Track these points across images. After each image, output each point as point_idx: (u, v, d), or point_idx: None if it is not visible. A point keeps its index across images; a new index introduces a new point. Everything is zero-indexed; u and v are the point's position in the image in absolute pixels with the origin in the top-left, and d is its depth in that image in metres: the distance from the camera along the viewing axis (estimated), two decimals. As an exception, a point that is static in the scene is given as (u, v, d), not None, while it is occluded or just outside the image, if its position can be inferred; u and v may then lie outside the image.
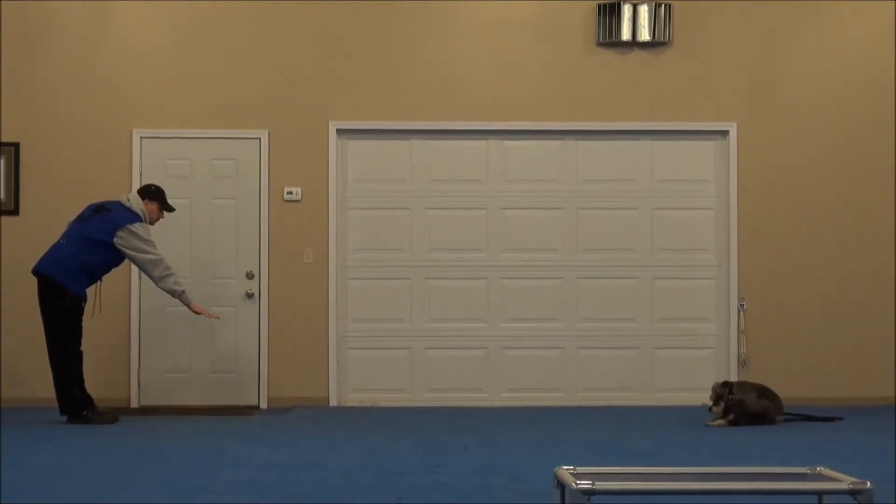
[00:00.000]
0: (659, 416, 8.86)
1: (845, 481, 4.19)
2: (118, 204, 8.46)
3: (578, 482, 4.12)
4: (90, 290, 8.42)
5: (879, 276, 9.73)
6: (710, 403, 8.28)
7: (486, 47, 9.74)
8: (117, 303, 9.34)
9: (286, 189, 9.59)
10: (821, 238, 9.76)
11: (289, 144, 9.62)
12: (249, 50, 9.67)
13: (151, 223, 8.57)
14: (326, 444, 7.13)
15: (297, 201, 9.60)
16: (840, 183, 9.77)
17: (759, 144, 9.74)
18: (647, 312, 9.77)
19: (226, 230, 9.60)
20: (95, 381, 8.79)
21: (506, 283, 9.76)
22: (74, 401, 8.27)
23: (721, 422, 8.21)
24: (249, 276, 9.57)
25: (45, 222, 9.22)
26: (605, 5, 9.64)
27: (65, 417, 8.32)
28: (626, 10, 9.63)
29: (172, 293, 8.41)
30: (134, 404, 9.47)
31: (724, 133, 9.76)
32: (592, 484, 4.10)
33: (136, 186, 9.09)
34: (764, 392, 8.49)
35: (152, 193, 8.64)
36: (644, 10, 9.62)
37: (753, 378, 9.23)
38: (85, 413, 8.26)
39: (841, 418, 8.53)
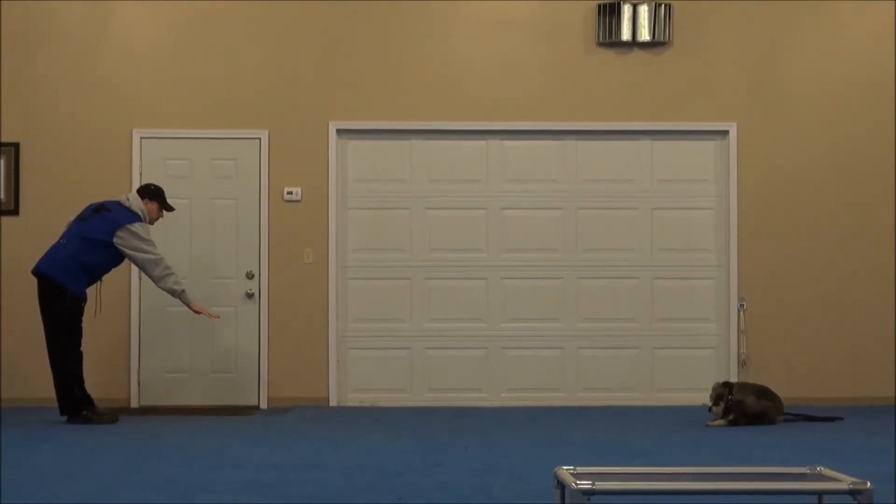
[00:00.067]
0: (659, 416, 8.86)
1: (845, 481, 4.19)
2: (118, 204, 8.46)
3: (578, 482, 4.12)
4: (90, 290, 8.43)
5: (879, 276, 9.73)
6: (709, 403, 8.28)
7: (486, 47, 9.74)
8: (117, 303, 9.34)
9: (286, 189, 9.59)
10: (821, 238, 9.76)
11: (289, 144, 9.62)
12: (249, 50, 9.67)
13: (151, 223, 8.57)
14: (326, 444, 7.13)
15: (297, 201, 9.60)
16: (840, 183, 9.77)
17: (759, 144, 9.74)
18: (647, 312, 9.77)
19: (226, 230, 9.60)
20: (95, 381, 8.79)
21: (506, 283, 9.76)
22: (74, 401, 8.27)
23: (721, 422, 8.21)
24: (249, 276, 9.57)
25: (45, 222, 9.22)
26: (605, 5, 9.64)
27: (65, 417, 8.32)
28: (626, 10, 9.63)
29: (172, 293, 8.41)
30: (134, 404, 9.47)
31: (724, 133, 9.76)
32: (592, 484, 4.09)
33: (136, 186, 9.09)
34: (764, 392, 8.49)
35: (152, 193, 8.64)
36: (644, 10, 9.62)
37: (753, 378, 9.24)
38: (85, 413, 8.26)
39: (841, 418, 8.53)
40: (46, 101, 9.58)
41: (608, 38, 9.66)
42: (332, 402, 9.56)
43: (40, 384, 8.81)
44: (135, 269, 9.07)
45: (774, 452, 6.76)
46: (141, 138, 9.58)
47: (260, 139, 9.61)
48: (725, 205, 9.75)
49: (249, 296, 9.56)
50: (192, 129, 9.62)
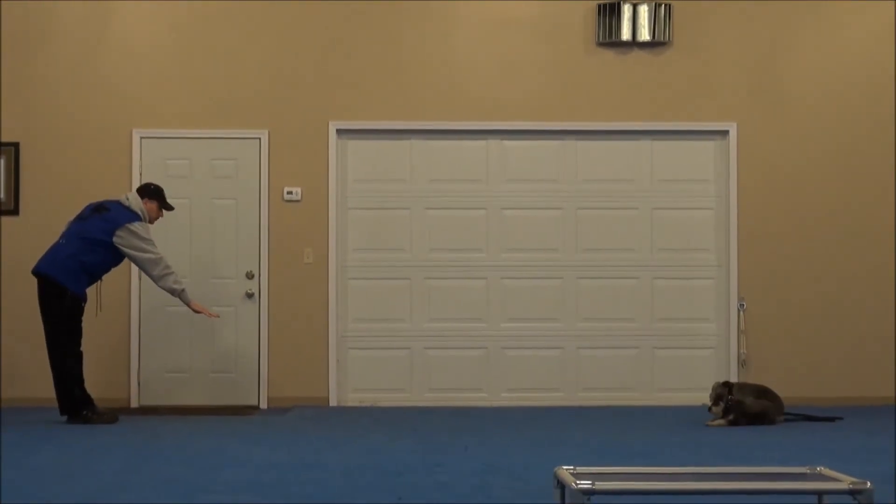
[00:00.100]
0: (659, 416, 8.86)
1: (845, 481, 4.19)
2: (117, 203, 8.46)
3: (578, 482, 4.12)
4: (90, 290, 8.42)
5: (879, 276, 9.73)
6: (709, 403, 8.28)
7: (486, 47, 9.74)
8: (117, 303, 9.34)
9: (286, 189, 9.59)
10: (821, 238, 9.76)
11: (289, 144, 9.62)
12: (249, 50, 9.67)
13: (151, 222, 8.57)
14: (326, 444, 7.13)
15: (297, 201, 9.60)
16: (840, 183, 9.77)
17: (759, 144, 9.74)
18: (647, 312, 9.77)
19: (226, 230, 9.60)
20: (95, 381, 8.79)
21: (506, 283, 9.76)
22: (74, 401, 8.27)
23: (721, 422, 8.21)
24: (249, 276, 9.57)
25: (45, 222, 9.22)
26: (605, 5, 9.64)
27: (65, 417, 8.31)
28: (626, 10, 9.63)
29: (172, 292, 8.41)
30: (134, 404, 9.47)
31: (724, 133, 9.76)
32: (592, 484, 4.09)
33: (136, 186, 9.08)
34: (764, 392, 8.49)
35: (151, 192, 8.64)
36: (644, 10, 9.62)
37: (753, 378, 9.24)
38: (85, 413, 8.26)
39: (841, 418, 8.53)
40: (46, 101, 9.59)
41: (608, 38, 9.66)
42: (332, 402, 9.56)
43: (40, 384, 8.81)
44: (135, 268, 9.07)
45: (774, 452, 6.76)
46: (141, 138, 9.58)
47: (260, 139, 9.61)
48: (725, 205, 9.75)
49: (249, 296, 9.56)
50: (192, 129, 9.62)
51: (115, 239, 8.30)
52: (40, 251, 8.44)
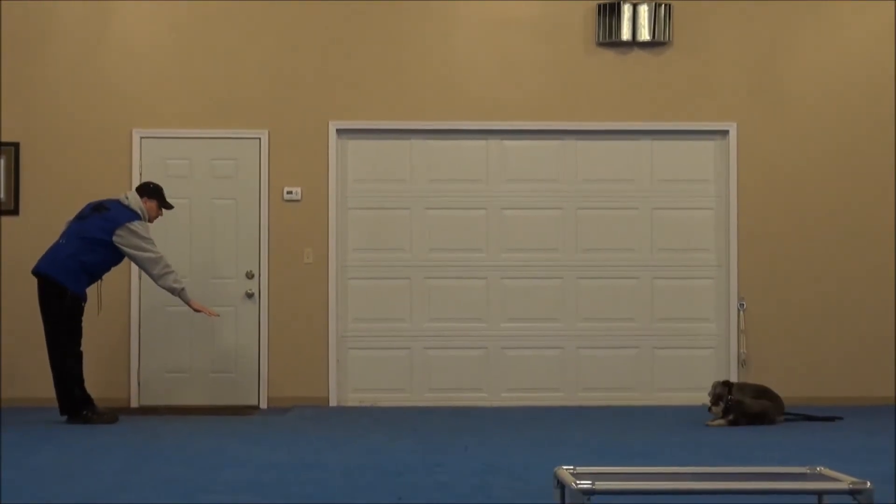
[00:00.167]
0: (659, 416, 8.86)
1: (845, 481, 4.19)
2: (117, 202, 8.46)
3: (578, 482, 4.12)
4: (90, 290, 8.42)
5: (879, 276, 9.73)
6: (709, 403, 8.28)
7: (486, 47, 9.74)
8: (117, 303, 9.34)
9: (286, 189, 9.59)
10: (821, 238, 9.76)
11: (289, 144, 9.62)
12: (249, 50, 9.67)
13: (150, 221, 8.57)
14: (326, 444, 7.13)
15: (297, 201, 9.60)
16: (840, 183, 9.78)
17: (759, 144, 9.74)
18: (647, 312, 9.77)
19: (226, 230, 9.60)
20: (95, 381, 8.79)
21: (506, 283, 9.76)
22: (74, 401, 8.27)
23: (721, 422, 8.21)
24: (249, 275, 9.57)
25: (45, 222, 9.22)
26: (605, 5, 9.64)
27: (65, 417, 8.31)
28: (626, 10, 9.63)
29: (172, 291, 8.41)
30: (134, 404, 9.47)
31: (724, 133, 9.76)
32: (592, 484, 4.09)
33: (135, 186, 9.07)
34: (764, 392, 8.49)
35: (151, 191, 8.64)
36: (644, 10, 9.62)
37: (753, 378, 9.24)
38: (85, 413, 8.26)
39: (841, 418, 8.53)
40: (46, 101, 9.59)
41: (608, 38, 9.66)
42: (332, 402, 9.56)
43: (40, 384, 8.81)
44: (135, 268, 9.07)
45: (774, 452, 6.76)
46: (141, 138, 9.58)
47: (260, 139, 9.61)
48: (725, 205, 9.75)
49: (249, 296, 9.56)
50: (192, 129, 9.62)
51: (114, 238, 8.30)
52: (40, 251, 8.44)
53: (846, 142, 9.79)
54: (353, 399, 9.64)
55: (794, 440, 7.45)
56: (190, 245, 9.56)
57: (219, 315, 8.99)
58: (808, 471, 4.47)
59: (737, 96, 9.75)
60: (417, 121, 9.70)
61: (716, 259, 9.79)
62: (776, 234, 9.73)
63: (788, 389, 9.02)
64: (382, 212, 9.75)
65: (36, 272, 8.33)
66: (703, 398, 8.45)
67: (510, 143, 9.79)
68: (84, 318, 8.35)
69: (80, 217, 8.45)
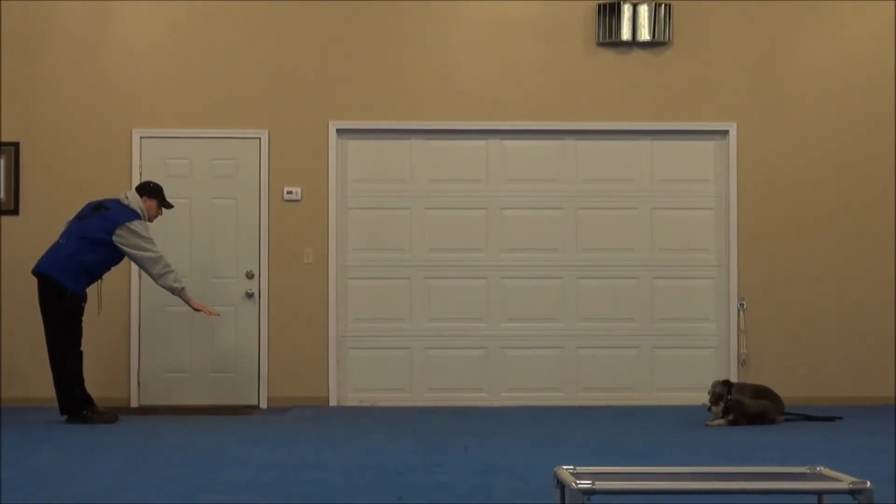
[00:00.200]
0: (659, 416, 8.86)
1: (845, 481, 4.18)
2: (117, 202, 8.46)
3: (578, 482, 4.11)
4: (91, 290, 8.42)
5: (879, 276, 9.73)
6: (708, 403, 8.27)
7: (486, 47, 9.74)
8: (117, 302, 9.34)
9: (286, 189, 9.59)
10: (821, 238, 9.76)
11: (289, 144, 9.62)
12: (249, 50, 9.67)
13: (150, 220, 8.57)
14: (326, 444, 7.13)
15: (297, 201, 9.60)
16: (840, 183, 9.78)
17: (759, 144, 9.74)
18: (647, 312, 9.77)
19: (226, 230, 9.60)
20: (95, 381, 8.79)
21: (506, 283, 9.76)
22: (74, 401, 8.27)
23: (721, 422, 8.21)
24: (249, 275, 9.57)
25: (45, 222, 9.22)
26: (605, 5, 9.64)
27: (65, 417, 8.31)
28: (626, 10, 9.63)
29: (172, 290, 8.41)
30: (134, 404, 9.47)
31: (724, 133, 9.76)
32: (592, 484, 4.09)
33: (135, 186, 9.08)
34: (763, 392, 8.49)
35: (150, 191, 8.64)
36: (644, 10, 9.62)
37: (753, 378, 9.24)
38: (85, 413, 8.26)
39: (841, 418, 8.53)
40: (46, 101, 9.59)
41: (608, 38, 9.66)
42: (332, 402, 9.56)
43: (40, 384, 8.81)
44: (135, 268, 9.07)
45: (774, 452, 6.76)
46: (141, 138, 9.58)
47: (260, 139, 9.61)
48: (725, 205, 9.75)
49: (249, 295, 9.56)
50: (192, 128, 9.62)
51: (114, 238, 8.30)
52: (40, 251, 8.44)
53: (846, 142, 9.79)
54: (353, 399, 9.64)
55: (794, 440, 7.45)
56: (190, 245, 9.56)
57: (219, 314, 8.99)
58: (808, 471, 4.47)
59: (737, 96, 9.75)
60: (417, 121, 9.70)
61: (716, 259, 9.79)
62: (776, 234, 9.73)
63: (788, 389, 9.02)
64: (382, 212, 9.75)
65: (36, 272, 8.33)
66: (703, 398, 8.45)
67: (510, 143, 9.79)
68: (84, 318, 8.35)
69: (80, 217, 8.44)
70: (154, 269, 8.33)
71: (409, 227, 9.75)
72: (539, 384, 9.70)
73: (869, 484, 4.13)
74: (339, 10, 9.68)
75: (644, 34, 9.64)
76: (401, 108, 9.70)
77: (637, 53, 9.75)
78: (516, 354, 9.74)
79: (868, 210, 9.75)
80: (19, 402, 9.27)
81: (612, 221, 9.79)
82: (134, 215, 8.38)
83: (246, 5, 9.65)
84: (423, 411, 9.25)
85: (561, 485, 4.35)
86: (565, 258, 9.78)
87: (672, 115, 9.75)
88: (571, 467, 4.44)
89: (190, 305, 8.53)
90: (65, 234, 8.40)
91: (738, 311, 9.67)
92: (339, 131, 9.66)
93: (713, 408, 8.25)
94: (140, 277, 9.28)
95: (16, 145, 9.54)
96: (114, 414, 8.45)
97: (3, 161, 9.52)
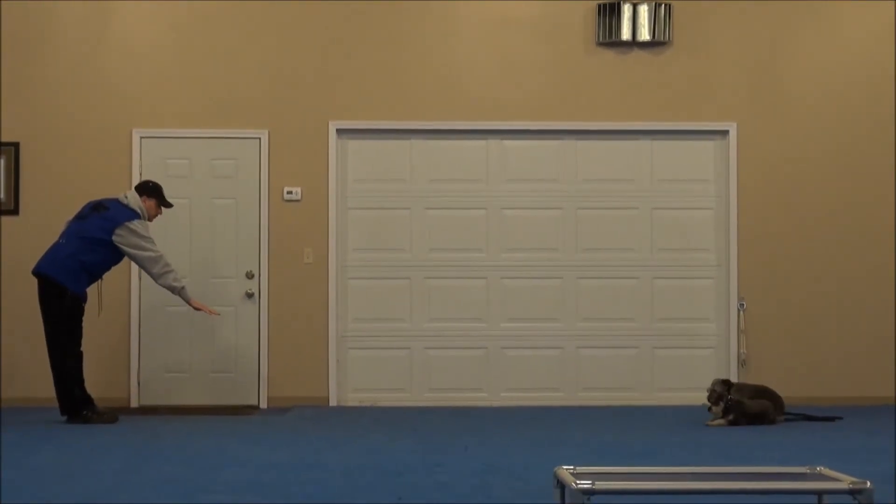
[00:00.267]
0: (659, 416, 8.86)
1: (845, 481, 4.18)
2: (116, 202, 8.46)
3: (578, 482, 4.11)
4: (91, 290, 8.42)
5: (879, 276, 9.73)
6: (708, 403, 8.27)
7: (486, 47, 9.74)
8: (117, 302, 9.34)
9: (286, 189, 9.59)
10: (821, 238, 9.76)
11: (289, 144, 9.62)
12: (249, 50, 9.67)
13: (150, 220, 8.57)
14: (326, 444, 7.13)
15: (297, 201, 9.60)
16: (840, 183, 9.78)
17: (759, 144, 9.74)
18: (647, 312, 9.77)
19: (226, 230, 9.60)
20: (95, 381, 8.79)
21: (506, 283, 9.76)
22: (74, 401, 8.27)
23: (721, 421, 8.21)
24: (249, 275, 9.57)
25: (45, 222, 9.22)
26: (605, 5, 9.64)
27: (65, 417, 8.31)
28: (626, 10, 9.63)
29: (172, 290, 8.41)
30: (134, 404, 9.47)
31: (724, 133, 9.77)
32: (592, 484, 4.09)
33: (134, 185, 9.07)
34: (763, 392, 8.49)
35: (150, 190, 8.64)
36: (644, 10, 9.62)
37: (753, 378, 9.24)
38: (85, 413, 8.26)
39: (841, 418, 8.53)
40: (46, 101, 9.59)
41: (608, 38, 9.66)
42: (332, 402, 9.56)
43: (40, 384, 8.81)
44: (135, 268, 9.07)
45: (774, 452, 6.76)
46: (141, 138, 9.58)
47: (260, 139, 9.61)
48: (725, 205, 9.75)
49: (249, 295, 9.56)
50: (192, 128, 9.62)
51: (114, 237, 8.30)
52: (40, 251, 8.44)
53: (846, 142, 9.79)
54: (353, 399, 9.64)
55: (794, 440, 7.45)
56: (190, 245, 9.56)
57: (219, 314, 8.99)
58: (808, 471, 4.47)
59: (737, 96, 9.75)
60: (417, 121, 9.70)
61: (716, 259, 9.79)
62: (776, 234, 9.73)
63: (788, 389, 9.02)
64: (382, 212, 9.75)
65: (36, 272, 8.33)
66: (703, 398, 8.44)
67: (510, 143, 9.79)
68: (84, 318, 8.35)
69: (80, 217, 8.44)
70: (154, 268, 8.34)
71: (409, 227, 9.75)
72: (539, 384, 9.70)
73: (869, 484, 4.13)
74: (339, 10, 9.68)
75: (644, 34, 9.64)
76: (401, 108, 9.70)
77: (637, 53, 9.75)
78: (516, 354, 9.74)
79: (868, 210, 9.75)
80: (19, 402, 9.27)
81: (612, 221, 9.79)
82: (133, 215, 8.38)
83: (246, 5, 9.66)
84: (423, 411, 9.25)
85: (561, 485, 4.35)
86: (565, 258, 9.78)
87: (672, 115, 9.76)
88: (571, 467, 4.44)
89: (190, 305, 8.53)
90: (65, 234, 8.40)
91: (738, 311, 9.67)
92: (339, 131, 9.67)
93: (713, 408, 8.24)
94: (140, 277, 9.28)
95: (16, 145, 9.54)
96: (114, 414, 8.45)
97: (3, 161, 9.52)
